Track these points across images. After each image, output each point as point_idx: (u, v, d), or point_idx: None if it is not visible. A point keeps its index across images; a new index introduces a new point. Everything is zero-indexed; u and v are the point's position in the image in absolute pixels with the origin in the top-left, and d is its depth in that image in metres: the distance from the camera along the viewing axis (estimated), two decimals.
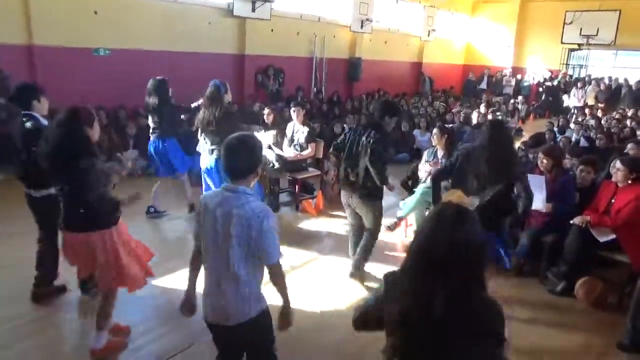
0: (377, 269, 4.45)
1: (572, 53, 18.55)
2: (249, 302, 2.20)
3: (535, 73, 18.24)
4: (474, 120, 10.47)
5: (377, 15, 14.43)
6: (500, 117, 11.86)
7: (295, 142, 6.28)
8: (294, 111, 6.23)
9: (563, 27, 17.47)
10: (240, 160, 2.18)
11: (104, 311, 3.14)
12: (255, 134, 6.21)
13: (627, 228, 4.03)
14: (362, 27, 13.90)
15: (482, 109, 11.68)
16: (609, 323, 3.86)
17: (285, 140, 6.32)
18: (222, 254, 2.16)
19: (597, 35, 16.63)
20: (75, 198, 2.92)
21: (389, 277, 1.67)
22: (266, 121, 6.42)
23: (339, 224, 5.89)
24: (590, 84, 16.02)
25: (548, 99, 16.75)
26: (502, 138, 3.71)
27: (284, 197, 6.70)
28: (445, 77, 18.49)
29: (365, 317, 1.75)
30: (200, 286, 2.37)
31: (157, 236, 5.31)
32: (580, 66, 19.02)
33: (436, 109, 12.95)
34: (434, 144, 5.52)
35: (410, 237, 5.48)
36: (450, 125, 8.96)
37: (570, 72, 18.33)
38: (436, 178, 4.04)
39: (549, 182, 4.50)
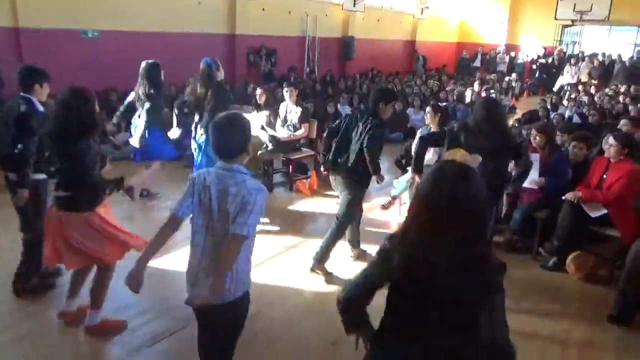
0: (371, 249, 4.48)
1: (566, 29, 18.47)
2: (236, 282, 2.17)
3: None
4: (468, 98, 10.47)
5: None
6: (494, 95, 11.87)
7: (288, 123, 6.25)
8: (287, 91, 6.19)
9: (557, 3, 17.34)
10: (229, 140, 2.15)
11: (97, 290, 3.15)
12: (248, 115, 6.17)
13: (618, 203, 4.08)
14: (354, 5, 13.72)
15: (476, 86, 11.66)
16: (600, 296, 3.93)
17: (278, 121, 6.29)
18: (216, 231, 2.14)
19: (590, 10, 16.52)
20: (72, 178, 2.91)
21: (390, 240, 1.64)
22: (259, 102, 6.37)
23: (332, 204, 5.89)
24: (583, 60, 15.97)
25: (542, 76, 16.72)
26: (494, 116, 3.73)
27: (277, 178, 6.70)
28: (439, 55, 18.38)
29: (358, 292, 1.71)
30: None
31: (149, 218, 5.31)
32: (574, 43, 18.96)
33: (430, 87, 12.91)
34: (427, 123, 5.52)
35: (404, 215, 5.50)
36: (444, 103, 8.94)
37: (564, 49, 18.26)
38: (419, 151, 4.10)
39: (542, 159, 4.53)
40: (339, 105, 9.26)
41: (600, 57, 16.05)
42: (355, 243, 4.45)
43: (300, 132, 6.21)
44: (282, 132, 6.20)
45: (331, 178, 4.22)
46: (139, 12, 8.92)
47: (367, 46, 14.69)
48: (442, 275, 1.49)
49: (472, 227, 1.48)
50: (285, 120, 6.27)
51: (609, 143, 4.19)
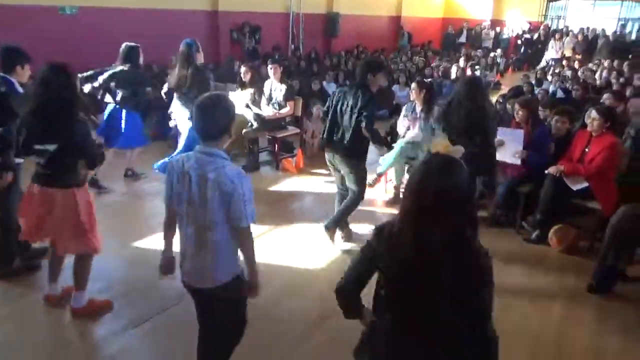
0: (358, 227, 4.49)
1: (551, 4, 18.42)
2: (223, 266, 2.19)
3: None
4: (453, 75, 10.43)
5: None
6: (479, 71, 11.86)
7: (273, 101, 6.18)
8: (271, 68, 6.10)
9: None
10: (212, 121, 2.12)
11: (80, 272, 3.14)
12: (232, 93, 6.10)
13: (599, 176, 4.14)
14: None
15: (462, 62, 11.61)
16: (581, 267, 4.02)
17: (263, 99, 6.22)
18: (198, 217, 2.14)
19: None
20: (60, 155, 2.88)
21: (381, 230, 1.71)
22: (243, 79, 6.28)
23: (319, 182, 5.91)
24: (568, 35, 15.99)
25: (527, 51, 16.71)
26: (477, 95, 3.80)
27: (263, 156, 6.66)
28: (424, 31, 18.22)
29: (348, 283, 1.78)
30: (176, 248, 2.36)
31: (132, 199, 5.27)
32: (559, 17, 18.94)
33: (415, 63, 12.84)
34: (412, 99, 5.50)
35: (390, 192, 5.54)
36: (429, 79, 8.90)
37: (549, 23, 18.24)
38: None
39: (525, 134, 4.57)
40: (324, 83, 9.19)
41: (585, 32, 16.08)
42: (343, 224, 4.46)
43: (285, 110, 6.16)
44: (267, 110, 6.14)
45: (327, 155, 4.23)
46: None
47: (353, 23, 14.51)
48: (432, 261, 1.54)
49: (458, 212, 1.56)
50: (270, 98, 6.21)
51: (592, 116, 4.23)
